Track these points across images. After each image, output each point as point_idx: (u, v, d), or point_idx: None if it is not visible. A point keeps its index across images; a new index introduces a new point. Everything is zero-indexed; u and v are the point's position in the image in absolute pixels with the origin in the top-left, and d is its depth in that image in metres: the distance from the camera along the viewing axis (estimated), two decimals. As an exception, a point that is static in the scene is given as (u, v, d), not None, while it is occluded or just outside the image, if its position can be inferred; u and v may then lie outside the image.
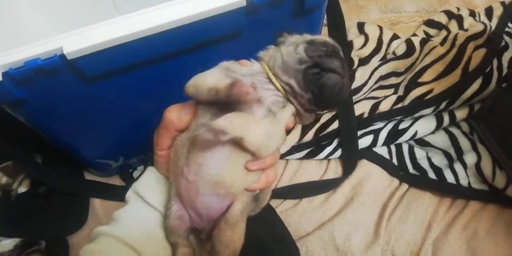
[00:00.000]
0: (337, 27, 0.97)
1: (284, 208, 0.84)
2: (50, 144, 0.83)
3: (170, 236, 0.50)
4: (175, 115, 0.48)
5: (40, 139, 0.78)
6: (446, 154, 0.92)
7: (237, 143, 0.44)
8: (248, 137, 0.43)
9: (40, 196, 0.92)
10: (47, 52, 0.53)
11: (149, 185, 0.53)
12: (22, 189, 0.93)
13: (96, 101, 0.68)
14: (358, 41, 1.09)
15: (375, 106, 0.95)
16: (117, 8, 1.06)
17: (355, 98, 0.99)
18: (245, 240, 0.51)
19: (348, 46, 1.07)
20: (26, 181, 0.93)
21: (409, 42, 1.07)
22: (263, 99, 0.45)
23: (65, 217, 0.88)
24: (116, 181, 0.92)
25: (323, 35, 0.50)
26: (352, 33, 1.12)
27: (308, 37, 0.49)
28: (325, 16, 0.90)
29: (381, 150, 0.92)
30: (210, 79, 0.45)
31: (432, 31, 1.14)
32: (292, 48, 0.48)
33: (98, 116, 0.73)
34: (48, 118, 0.68)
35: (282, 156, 0.91)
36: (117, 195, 0.90)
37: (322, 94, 0.45)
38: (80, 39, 0.54)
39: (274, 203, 0.85)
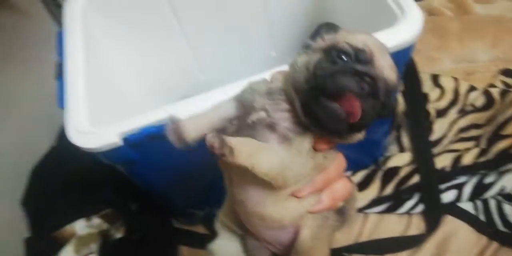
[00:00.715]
0: (412, 82, 0.99)
1: (365, 264, 0.84)
2: (144, 193, 0.91)
3: None
4: None
5: (135, 188, 0.87)
6: (539, 211, 0.88)
7: None
8: (257, 165, 0.38)
9: (133, 242, 1.00)
10: (160, 120, 0.62)
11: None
12: (119, 235, 1.01)
13: (192, 158, 0.76)
14: (433, 93, 1.10)
15: (457, 160, 0.95)
16: (201, 71, 1.18)
17: (435, 150, 0.99)
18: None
19: (424, 98, 1.08)
20: (122, 227, 1.02)
21: (487, 94, 1.07)
22: (276, 125, 0.41)
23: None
24: (200, 229, 0.98)
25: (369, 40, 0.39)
26: (426, 86, 1.14)
27: (334, 39, 0.41)
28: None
29: (466, 205, 0.90)
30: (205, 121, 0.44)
31: (510, 81, 1.12)
32: (308, 58, 0.41)
33: (192, 171, 0.80)
34: (149, 174, 0.76)
35: (361, 210, 0.92)
36: (202, 242, 0.95)
37: (320, 125, 0.39)
38: (190, 107, 0.62)
39: (353, 259, 0.85)
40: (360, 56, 0.38)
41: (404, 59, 0.68)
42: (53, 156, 1.20)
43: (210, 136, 0.38)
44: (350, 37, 0.40)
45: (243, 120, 0.43)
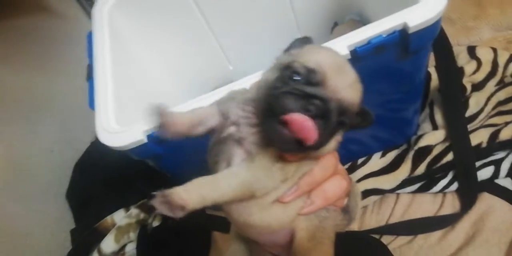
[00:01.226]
0: (444, 57, 0.94)
1: (397, 245, 0.83)
2: (177, 183, 0.95)
3: None
4: None
5: (169, 179, 0.90)
6: None
7: None
8: (217, 197, 0.39)
9: (170, 229, 1.04)
10: None
11: None
12: (156, 223, 1.06)
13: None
14: (469, 66, 1.05)
15: (494, 135, 0.90)
16: (229, 61, 1.19)
17: (470, 126, 0.95)
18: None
19: (458, 73, 1.03)
20: (159, 216, 1.07)
21: (530, 63, 1.00)
22: (243, 140, 0.42)
23: (190, 248, 0.98)
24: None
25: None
26: (462, 59, 1.08)
27: (292, 57, 0.41)
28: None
29: (504, 182, 0.86)
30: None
31: (557, 48, 1.05)
32: (270, 75, 0.41)
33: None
34: (177, 165, 0.80)
35: (393, 190, 0.90)
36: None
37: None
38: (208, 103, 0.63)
39: (386, 239, 0.84)
40: (311, 77, 0.38)
41: (431, 36, 0.66)
42: (94, 151, 1.27)
43: (154, 202, 0.37)
44: (307, 56, 0.39)
45: (218, 133, 0.44)
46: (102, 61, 0.81)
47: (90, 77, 0.80)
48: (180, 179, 0.90)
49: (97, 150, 1.25)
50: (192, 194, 0.38)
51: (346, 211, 0.51)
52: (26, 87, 1.23)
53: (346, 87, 0.39)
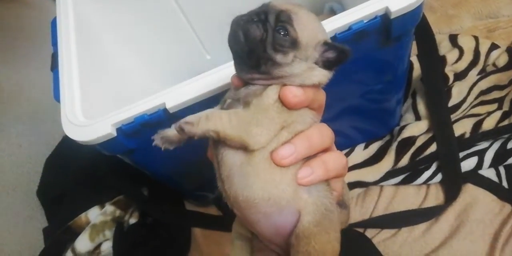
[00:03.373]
0: (427, 45, 0.94)
1: (381, 239, 0.83)
2: (154, 178, 0.92)
3: None
4: None
5: (145, 174, 0.87)
6: None
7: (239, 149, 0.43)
8: (219, 127, 0.41)
9: (147, 226, 1.02)
10: (152, 108, 0.62)
11: None
12: (133, 220, 1.03)
13: (192, 145, 0.75)
14: (451, 55, 1.04)
15: (477, 125, 0.90)
16: (206, 50, 1.16)
17: (453, 116, 0.95)
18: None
19: (441, 62, 1.03)
20: (136, 213, 1.04)
21: (511, 52, 1.00)
22: (240, 98, 0.45)
23: (169, 247, 0.96)
24: (213, 210, 0.98)
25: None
26: (444, 47, 1.08)
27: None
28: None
29: (488, 172, 0.87)
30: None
31: (538, 36, 1.05)
32: None
33: (194, 155, 0.80)
34: (151, 161, 0.77)
35: (376, 182, 0.89)
36: (215, 224, 0.96)
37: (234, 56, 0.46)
38: (179, 94, 0.62)
39: (370, 233, 0.84)
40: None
41: (413, 21, 0.65)
42: (65, 145, 1.22)
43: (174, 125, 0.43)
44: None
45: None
46: (67, 49, 0.76)
47: (55, 66, 0.76)
48: (158, 175, 0.87)
49: (68, 144, 1.20)
50: (201, 121, 0.42)
51: (343, 205, 0.51)
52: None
53: (293, 6, 0.45)
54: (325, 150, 0.45)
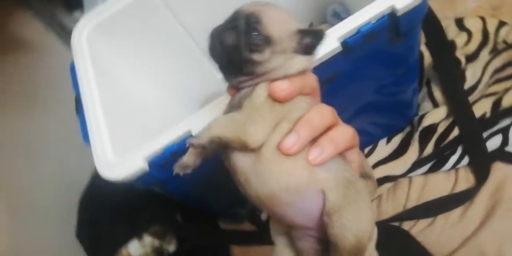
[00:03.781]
0: (434, 33, 0.99)
1: (418, 229, 0.87)
2: (185, 203, 1.00)
3: None
4: None
5: (176, 200, 0.95)
6: None
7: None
8: (218, 133, 0.47)
9: (187, 253, 1.09)
10: (179, 137, 0.67)
11: None
12: (172, 248, 1.10)
13: (218, 163, 0.82)
14: (460, 39, 1.10)
15: (496, 103, 0.95)
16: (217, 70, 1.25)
17: (471, 98, 0.99)
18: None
19: (450, 47, 1.08)
20: (173, 240, 1.11)
21: (519, 26, 1.05)
22: (236, 102, 0.51)
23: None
24: (247, 226, 1.05)
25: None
26: (451, 32, 1.13)
27: None
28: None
29: (515, 148, 0.90)
30: None
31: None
32: None
33: (222, 175, 0.87)
34: (183, 187, 0.82)
35: (405, 174, 0.94)
36: (251, 239, 1.02)
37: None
38: (203, 119, 0.67)
39: (406, 225, 0.87)
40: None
41: (420, 15, 0.69)
42: (95, 184, 1.32)
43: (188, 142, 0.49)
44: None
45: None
46: (89, 91, 0.83)
47: (79, 109, 0.83)
48: (190, 200, 0.94)
49: (98, 182, 1.30)
50: (203, 132, 0.49)
51: (366, 176, 0.55)
52: (15, 130, 1.30)
53: (259, 6, 0.50)
54: (330, 127, 0.49)
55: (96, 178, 1.33)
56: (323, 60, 0.65)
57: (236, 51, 0.48)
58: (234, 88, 0.53)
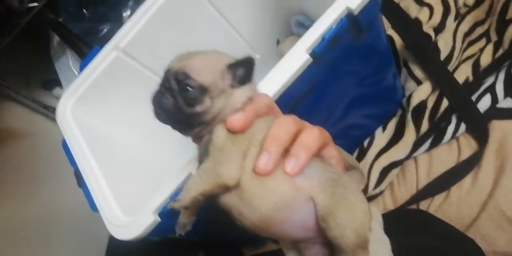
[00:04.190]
0: (396, 15, 1.06)
1: (436, 206, 0.90)
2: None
3: None
4: None
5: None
6: None
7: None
8: (197, 188, 0.51)
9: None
10: (182, 182, 0.71)
11: None
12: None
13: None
14: (423, 14, 1.16)
15: (476, 65, 1.00)
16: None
17: (450, 67, 1.05)
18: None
19: (416, 24, 1.15)
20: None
21: (473, -13, 1.12)
22: (203, 151, 0.55)
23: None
24: (271, 246, 1.08)
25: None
26: (413, 10, 1.20)
27: None
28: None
29: (506, 103, 0.95)
30: None
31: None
32: None
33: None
34: (198, 227, 0.86)
35: (408, 156, 0.98)
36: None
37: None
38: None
39: (423, 205, 0.91)
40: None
41: (376, 6, 0.74)
42: (112, 249, 1.37)
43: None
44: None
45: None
46: (87, 164, 0.90)
47: (81, 182, 0.89)
48: (209, 237, 0.98)
49: (116, 244, 1.35)
50: (184, 194, 0.52)
51: (350, 167, 0.59)
52: (25, 217, 1.36)
53: (183, 60, 0.54)
54: (297, 134, 0.52)
55: (112, 243, 1.38)
56: (298, 74, 0.70)
57: (178, 111, 0.52)
58: (197, 137, 0.56)
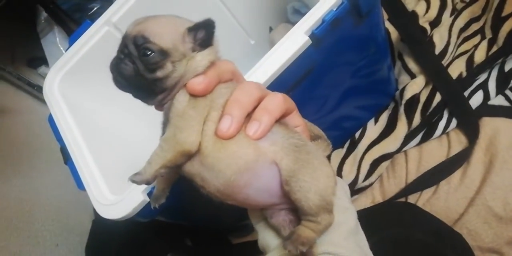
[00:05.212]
0: (394, 7, 1.06)
1: (425, 200, 0.92)
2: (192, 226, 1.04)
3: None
4: None
5: (182, 225, 0.99)
6: None
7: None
8: (164, 160, 0.50)
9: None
10: None
11: None
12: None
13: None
14: (420, 7, 1.17)
15: (470, 61, 1.01)
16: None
17: (444, 62, 1.06)
18: (408, 248, 0.55)
19: (412, 17, 1.15)
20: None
21: (472, -17, 1.12)
22: (165, 118, 0.55)
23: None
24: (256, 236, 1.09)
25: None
26: (410, 3, 1.20)
27: None
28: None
29: (497, 100, 0.96)
30: None
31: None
32: None
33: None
34: (187, 213, 0.87)
35: (399, 150, 0.99)
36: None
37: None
38: None
39: (412, 199, 0.93)
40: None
41: None
42: (97, 229, 1.36)
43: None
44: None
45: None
46: (74, 140, 0.88)
47: (67, 159, 0.88)
48: (196, 221, 0.98)
49: (100, 227, 1.35)
50: (145, 167, 0.51)
51: (316, 136, 0.60)
52: (7, 194, 1.34)
53: (141, 23, 0.52)
54: (260, 100, 0.52)
55: (97, 222, 1.37)
56: (296, 56, 0.70)
57: (139, 77, 0.51)
58: (160, 105, 0.55)
